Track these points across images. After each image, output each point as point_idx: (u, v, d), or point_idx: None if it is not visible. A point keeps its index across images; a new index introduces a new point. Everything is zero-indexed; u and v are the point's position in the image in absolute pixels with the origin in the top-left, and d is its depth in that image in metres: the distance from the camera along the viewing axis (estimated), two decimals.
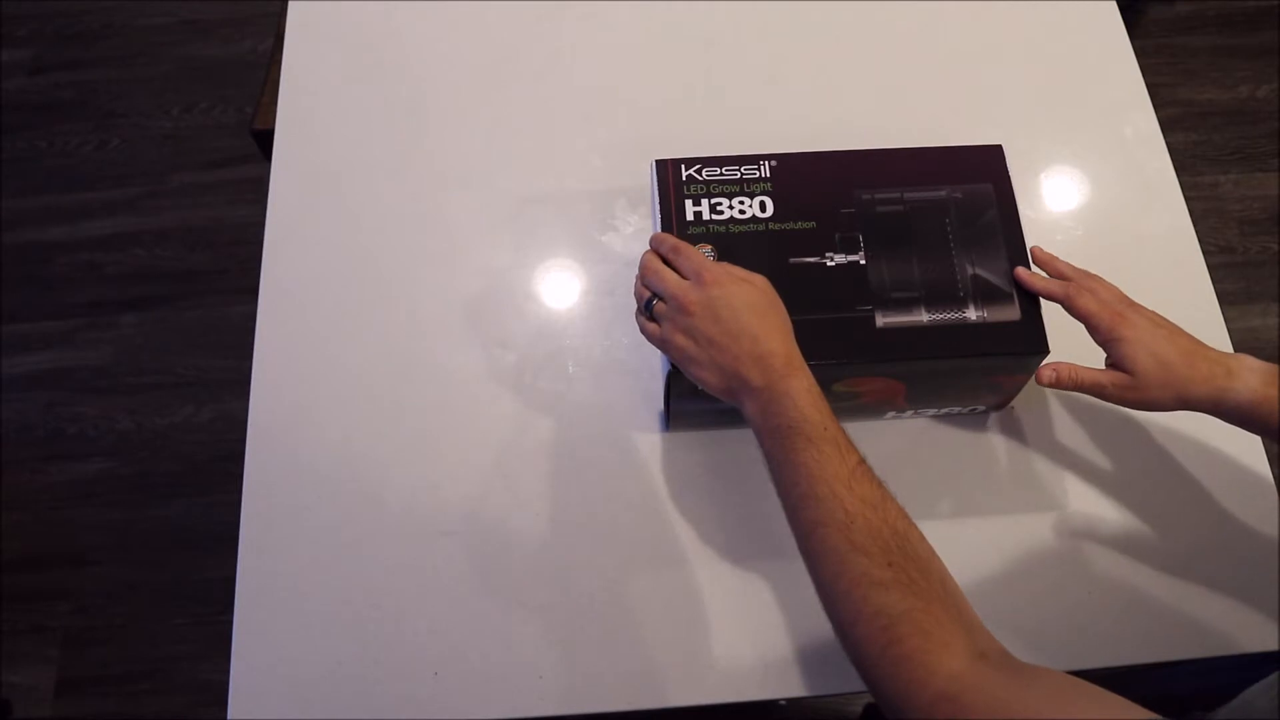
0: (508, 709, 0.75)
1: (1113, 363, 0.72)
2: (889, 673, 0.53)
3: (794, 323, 0.70)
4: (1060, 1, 1.05)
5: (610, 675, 0.76)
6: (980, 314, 0.73)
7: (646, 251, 0.72)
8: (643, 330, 0.70)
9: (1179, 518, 0.81)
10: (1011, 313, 0.73)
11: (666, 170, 0.77)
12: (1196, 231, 0.92)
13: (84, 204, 1.86)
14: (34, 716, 1.47)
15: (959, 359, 0.73)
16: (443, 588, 0.78)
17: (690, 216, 0.76)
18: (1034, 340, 0.73)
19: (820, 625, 0.77)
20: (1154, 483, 0.82)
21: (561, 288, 0.91)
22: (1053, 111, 0.99)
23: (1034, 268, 0.76)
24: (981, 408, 0.83)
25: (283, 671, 0.76)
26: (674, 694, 0.75)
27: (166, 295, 1.77)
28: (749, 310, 0.65)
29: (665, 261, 0.70)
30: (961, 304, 0.73)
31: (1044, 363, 0.76)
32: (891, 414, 0.83)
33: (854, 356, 0.73)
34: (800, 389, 0.62)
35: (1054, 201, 0.95)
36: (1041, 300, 0.74)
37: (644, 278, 0.70)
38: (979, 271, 0.74)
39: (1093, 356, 0.74)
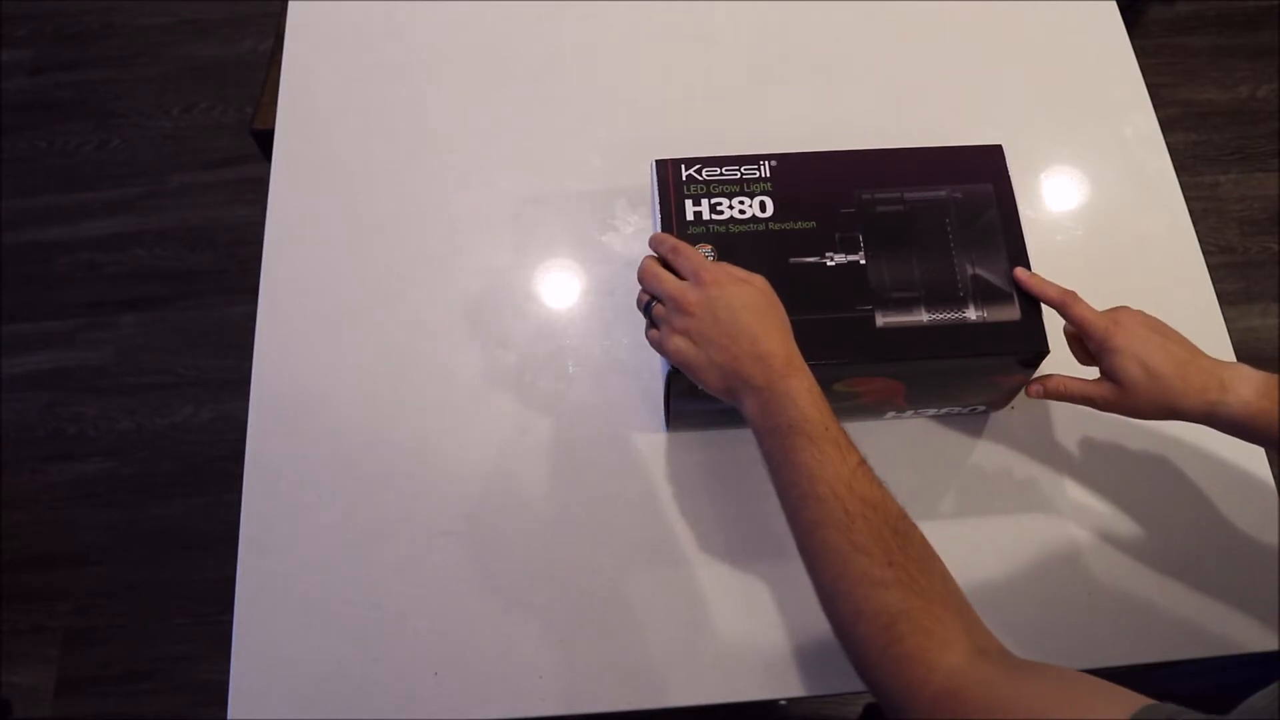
0: (508, 709, 0.75)
1: (1104, 372, 0.72)
2: (890, 671, 0.53)
3: (794, 323, 0.70)
4: (1060, 1, 1.05)
5: (610, 675, 0.76)
6: (980, 314, 0.73)
7: (647, 256, 0.72)
8: (649, 340, 0.70)
9: (1179, 517, 0.81)
10: (1011, 312, 0.73)
11: (666, 170, 0.77)
12: (1196, 231, 0.92)
13: (84, 204, 1.86)
14: (34, 716, 1.47)
15: (959, 359, 0.73)
16: (443, 588, 0.78)
17: (690, 216, 0.76)
18: (1034, 340, 0.73)
19: (820, 625, 0.77)
20: (1154, 483, 0.82)
21: (561, 288, 0.91)
22: (1053, 111, 0.99)
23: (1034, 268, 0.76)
24: (981, 407, 0.83)
25: (283, 671, 0.76)
26: (674, 694, 0.75)
27: (166, 295, 1.77)
28: (747, 310, 0.65)
29: (664, 263, 0.70)
30: (961, 304, 0.73)
31: (1035, 375, 0.76)
32: (891, 414, 0.83)
33: (854, 356, 0.73)
34: (800, 388, 0.62)
35: (1054, 201, 0.95)
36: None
37: (642, 280, 0.70)
38: (979, 271, 0.74)
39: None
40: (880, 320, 0.73)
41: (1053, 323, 0.73)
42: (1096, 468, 0.83)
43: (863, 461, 0.60)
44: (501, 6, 1.04)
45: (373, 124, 0.98)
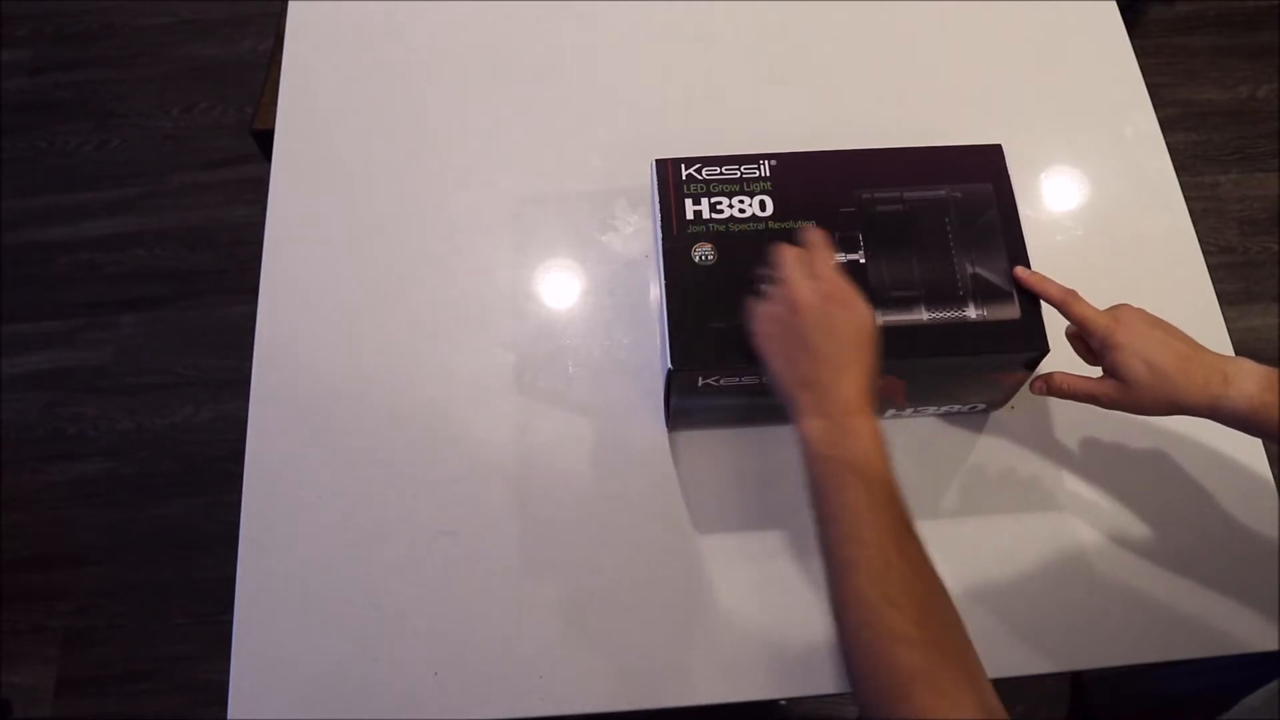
0: (508, 709, 0.75)
1: (1107, 369, 0.72)
2: None
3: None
4: (1060, 1, 1.05)
5: (610, 675, 0.76)
6: (980, 313, 0.73)
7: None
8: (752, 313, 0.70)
9: (1179, 517, 0.81)
10: (1011, 311, 0.73)
11: (666, 170, 0.77)
12: (1196, 231, 0.92)
13: (84, 204, 1.86)
14: (34, 716, 1.47)
15: (959, 357, 0.73)
16: (443, 588, 0.78)
17: (690, 216, 0.76)
18: (1034, 339, 0.73)
19: (820, 625, 0.77)
20: (1154, 482, 0.82)
21: (561, 288, 0.91)
22: (1053, 111, 0.99)
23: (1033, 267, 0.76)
24: (981, 406, 0.83)
25: (283, 671, 0.76)
26: (673, 694, 0.75)
27: (166, 295, 1.77)
28: (849, 337, 0.65)
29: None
30: (961, 303, 0.73)
31: (1038, 372, 0.76)
32: (892, 412, 0.83)
33: None
34: (868, 429, 0.62)
35: (1054, 201, 0.95)
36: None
37: (775, 257, 0.69)
38: (979, 270, 0.74)
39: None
40: (880, 319, 0.73)
41: (1052, 322, 0.73)
42: (1096, 467, 0.83)
43: (909, 517, 0.60)
44: (501, 6, 1.04)
45: (373, 124, 0.98)
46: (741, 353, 0.71)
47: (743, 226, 0.75)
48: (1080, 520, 0.81)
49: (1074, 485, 0.82)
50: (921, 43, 1.03)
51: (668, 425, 0.83)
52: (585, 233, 0.92)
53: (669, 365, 0.72)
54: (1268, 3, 2.00)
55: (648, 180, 0.79)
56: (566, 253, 0.92)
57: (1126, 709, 1.16)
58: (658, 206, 0.76)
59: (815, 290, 0.66)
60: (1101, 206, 0.95)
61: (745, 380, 0.74)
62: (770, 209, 0.76)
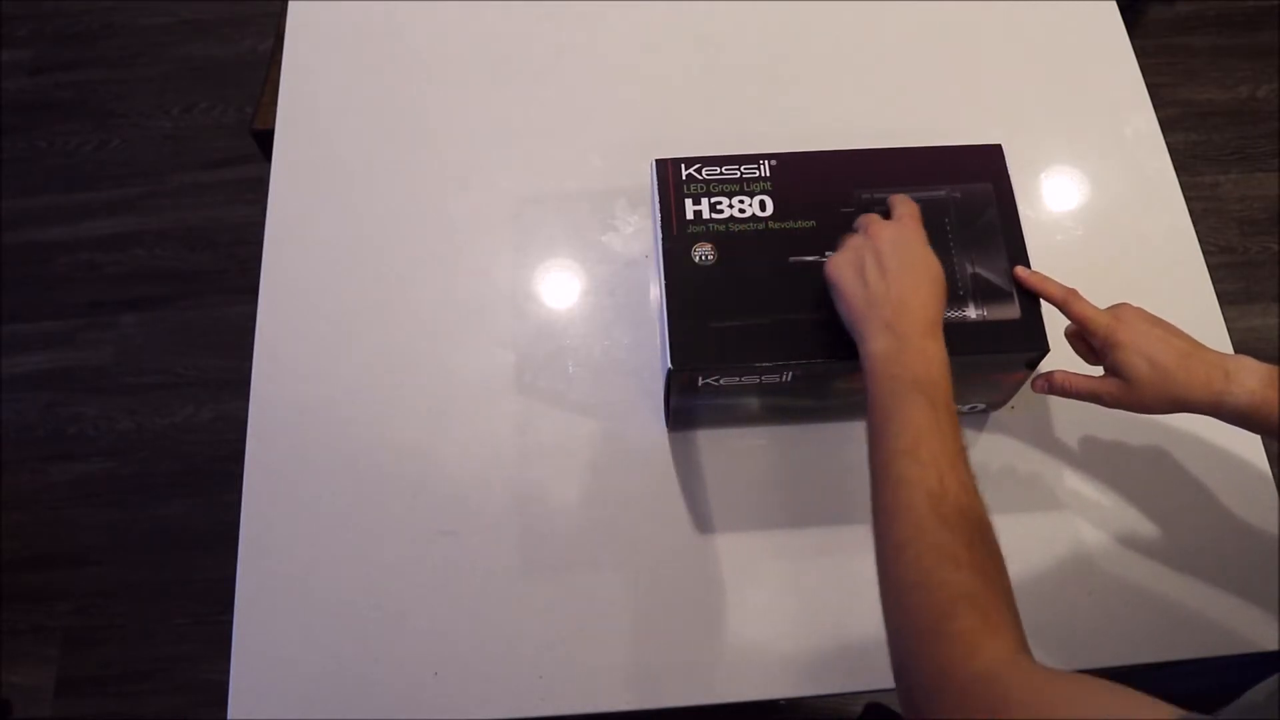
0: (508, 709, 0.75)
1: (1109, 368, 0.72)
2: (933, 644, 0.52)
3: (793, 321, 0.70)
4: (1060, 1, 1.05)
5: (610, 675, 0.76)
6: (980, 312, 0.73)
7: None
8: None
9: (1179, 517, 0.81)
10: (1011, 311, 0.73)
11: (666, 170, 0.77)
12: (1196, 231, 0.92)
13: (84, 204, 1.86)
14: (34, 716, 1.47)
15: (959, 357, 0.73)
16: (443, 588, 0.78)
17: (690, 216, 0.76)
18: (1034, 338, 0.73)
19: (820, 626, 0.77)
20: (1154, 482, 0.82)
21: (561, 288, 0.91)
22: (1053, 111, 0.99)
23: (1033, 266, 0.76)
24: (981, 406, 0.83)
25: (283, 671, 0.76)
26: (674, 694, 0.75)
27: (166, 295, 1.77)
28: (926, 270, 0.66)
29: None
30: (961, 302, 0.73)
31: (1039, 370, 0.76)
32: None
33: (854, 355, 0.72)
34: (938, 353, 0.62)
35: (1054, 201, 0.95)
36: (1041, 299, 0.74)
37: (858, 222, 0.72)
38: (979, 270, 0.74)
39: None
40: None
41: (1052, 321, 0.73)
42: (1096, 467, 0.83)
43: (965, 447, 0.59)
44: (501, 6, 1.04)
45: (373, 124, 0.98)
46: (742, 353, 0.71)
47: (743, 226, 0.75)
48: (1080, 520, 0.81)
49: (1074, 485, 0.82)
50: (921, 43, 1.03)
51: (668, 425, 0.83)
52: (585, 233, 0.92)
53: (669, 365, 0.72)
54: (1268, 3, 2.00)
55: (648, 180, 0.79)
56: (566, 253, 0.92)
57: None
58: (658, 206, 0.76)
59: (897, 227, 0.68)
60: (1101, 206, 0.95)
61: (745, 380, 0.74)
62: (770, 209, 0.76)
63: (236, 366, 1.58)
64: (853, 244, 0.69)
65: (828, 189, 0.77)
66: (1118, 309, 0.72)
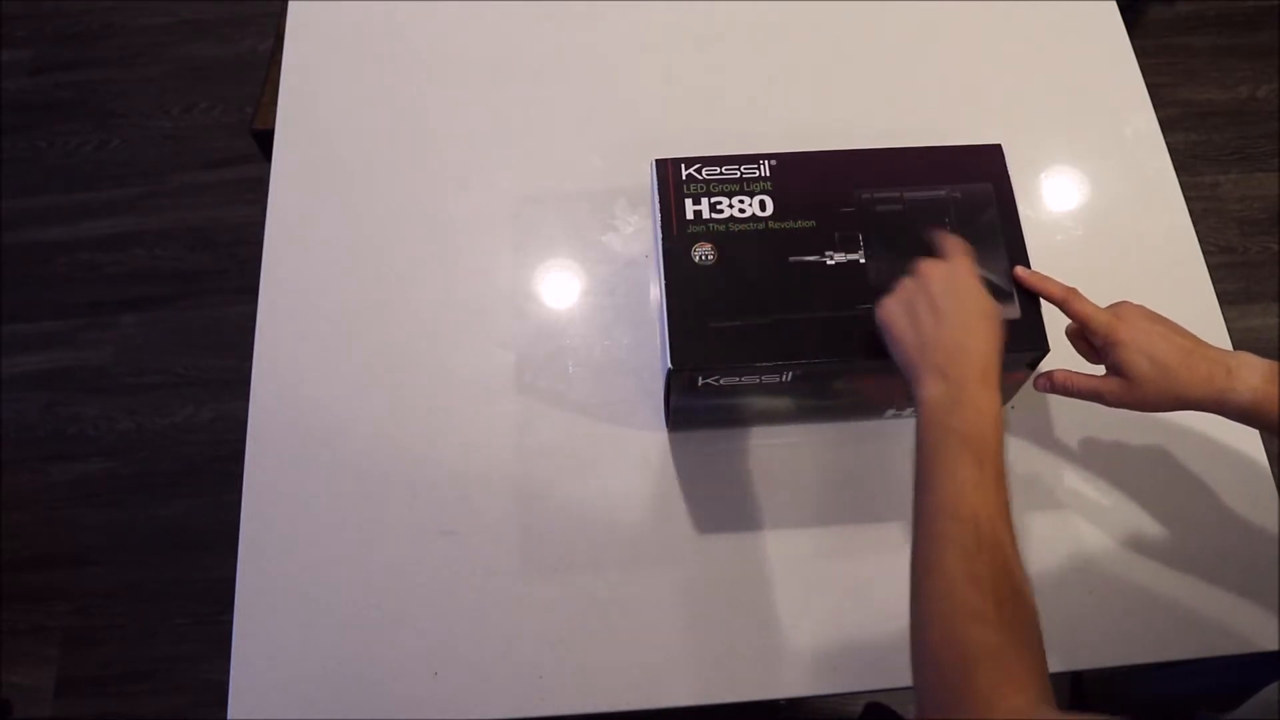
0: (508, 709, 0.75)
1: (1110, 366, 0.72)
2: (954, 702, 0.52)
3: (793, 321, 0.70)
4: (1060, 1, 1.05)
5: (610, 675, 0.76)
6: None
7: None
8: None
9: (1179, 516, 0.81)
10: (1011, 311, 0.73)
11: (666, 170, 0.77)
12: (1196, 231, 0.92)
13: (84, 204, 1.86)
14: (34, 716, 1.47)
15: None
16: (443, 588, 0.78)
17: (690, 215, 0.76)
18: (1034, 339, 0.73)
19: (820, 626, 0.77)
20: (1154, 482, 0.82)
21: (561, 288, 0.91)
22: (1053, 111, 0.99)
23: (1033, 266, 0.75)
24: None
25: (283, 671, 0.76)
26: (674, 694, 0.75)
27: (166, 295, 1.77)
28: (981, 312, 0.65)
29: None
30: None
31: (1040, 369, 0.76)
32: (891, 412, 0.83)
33: (854, 355, 0.72)
34: (990, 404, 0.61)
35: (1054, 201, 0.95)
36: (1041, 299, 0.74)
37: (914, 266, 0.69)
38: (979, 270, 0.74)
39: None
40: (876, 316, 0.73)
41: (1053, 321, 0.73)
42: (1096, 466, 0.83)
43: (1009, 503, 0.59)
44: (501, 6, 1.04)
45: (373, 124, 0.98)
46: (742, 353, 0.71)
47: (743, 226, 0.75)
48: (1080, 519, 0.81)
49: (1074, 484, 0.82)
50: (921, 43, 1.03)
51: (668, 425, 0.83)
52: (585, 233, 0.92)
53: (669, 365, 0.72)
54: (1268, 3, 2.00)
55: (648, 180, 0.79)
56: (566, 253, 0.92)
57: (1126, 709, 1.16)
58: (658, 206, 0.76)
59: (950, 267, 0.67)
60: (1101, 206, 0.95)
61: (745, 380, 0.74)
62: (770, 209, 0.76)
63: (236, 366, 1.59)
64: (905, 285, 0.67)
65: (828, 189, 0.77)
66: (1118, 307, 0.72)
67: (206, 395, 1.67)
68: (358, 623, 0.77)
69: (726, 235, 0.75)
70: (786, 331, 0.72)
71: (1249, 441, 0.83)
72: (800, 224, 0.75)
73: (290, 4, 1.06)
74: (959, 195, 0.77)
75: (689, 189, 0.77)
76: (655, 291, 0.84)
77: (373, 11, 1.04)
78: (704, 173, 0.77)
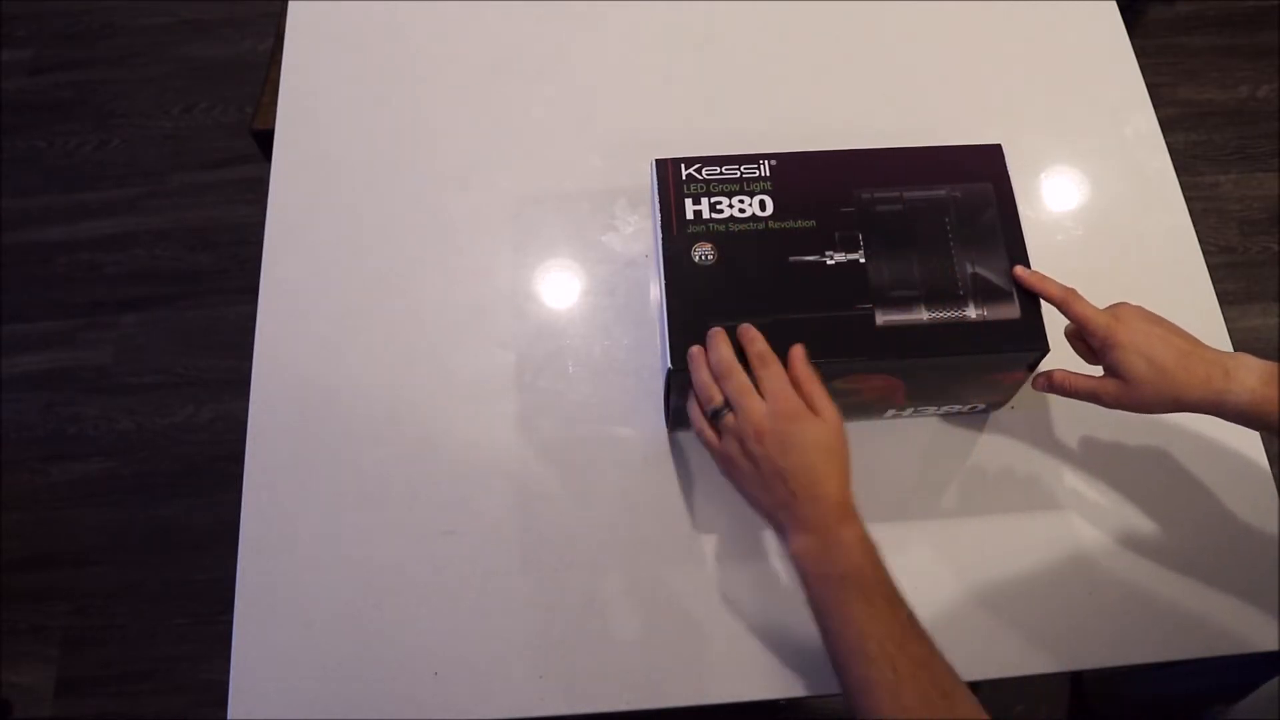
0: (508, 709, 0.75)
1: (1108, 368, 0.72)
2: None
3: (794, 321, 0.70)
4: (1060, 1, 1.05)
5: (610, 675, 0.76)
6: (980, 312, 0.73)
7: (716, 334, 0.69)
8: (699, 433, 0.70)
9: (1179, 517, 0.81)
10: (1011, 311, 0.73)
11: (666, 170, 0.77)
12: (1196, 231, 0.92)
13: (84, 204, 1.86)
14: (34, 716, 1.47)
15: (959, 357, 0.73)
16: (443, 588, 0.78)
17: (690, 215, 0.76)
18: (1033, 338, 0.73)
19: None
20: (1154, 481, 0.82)
21: (561, 288, 0.91)
22: (1053, 111, 0.99)
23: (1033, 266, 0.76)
24: (981, 406, 0.83)
25: (283, 671, 0.76)
26: (674, 694, 0.75)
27: (166, 295, 1.77)
28: (817, 449, 0.64)
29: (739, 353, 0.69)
30: (961, 302, 0.73)
31: (1039, 369, 0.76)
32: (891, 412, 0.83)
33: (854, 355, 0.73)
34: (853, 538, 0.62)
35: (1054, 201, 0.95)
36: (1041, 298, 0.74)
37: (720, 381, 0.68)
38: (978, 270, 0.74)
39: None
40: (880, 319, 0.73)
41: (1052, 321, 0.73)
42: (1096, 466, 0.83)
43: (912, 615, 0.60)
44: (501, 6, 1.04)
45: (373, 124, 0.98)
46: (742, 352, 0.71)
47: (743, 226, 0.75)
48: (1080, 520, 0.81)
49: (1074, 485, 0.82)
50: (921, 43, 1.03)
51: (668, 425, 0.83)
52: (585, 233, 0.92)
53: (669, 365, 0.72)
54: (1268, 3, 2.00)
55: (648, 180, 0.79)
56: (566, 253, 0.92)
57: (1126, 709, 1.17)
58: (658, 206, 0.76)
59: (770, 413, 0.65)
60: (1101, 206, 0.95)
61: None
62: (770, 209, 0.76)
63: (236, 366, 1.59)
64: (746, 448, 0.66)
65: (828, 189, 0.77)
66: (1117, 308, 0.72)
67: (206, 395, 1.68)
68: (358, 623, 0.77)
69: (726, 235, 0.75)
70: (786, 331, 0.72)
71: (1249, 442, 0.83)
72: (800, 224, 0.76)
73: (290, 4, 1.06)
74: (959, 195, 0.77)
75: (689, 189, 0.77)
76: (655, 291, 0.84)
77: (373, 11, 1.04)
78: (704, 173, 0.77)
